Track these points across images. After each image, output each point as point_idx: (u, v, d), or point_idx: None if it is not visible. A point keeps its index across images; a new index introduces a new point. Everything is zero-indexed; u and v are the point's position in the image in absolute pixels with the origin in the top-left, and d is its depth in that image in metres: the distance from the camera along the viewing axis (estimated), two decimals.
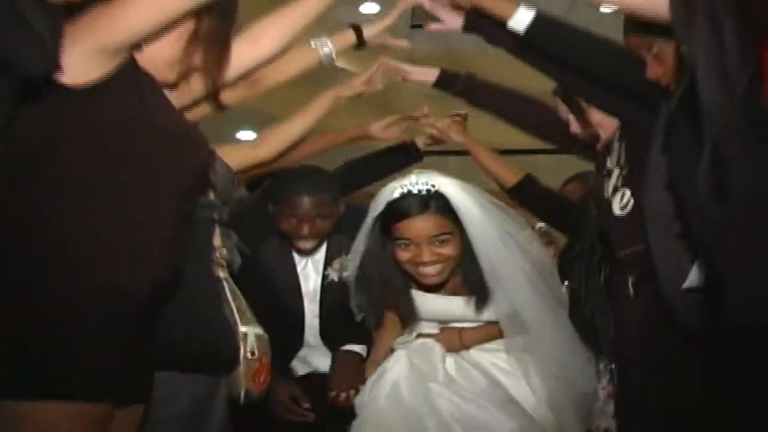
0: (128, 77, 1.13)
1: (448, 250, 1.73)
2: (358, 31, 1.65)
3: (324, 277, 2.12)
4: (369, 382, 1.83)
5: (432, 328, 1.87)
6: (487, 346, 1.82)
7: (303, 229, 2.00)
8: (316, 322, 2.13)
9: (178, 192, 1.21)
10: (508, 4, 1.57)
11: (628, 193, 1.62)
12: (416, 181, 1.75)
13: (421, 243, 1.72)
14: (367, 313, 1.90)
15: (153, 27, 1.11)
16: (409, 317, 1.88)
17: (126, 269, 1.10)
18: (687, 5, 0.92)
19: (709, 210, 0.88)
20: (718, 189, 0.85)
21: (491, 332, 1.81)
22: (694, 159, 0.92)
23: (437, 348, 1.79)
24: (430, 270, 1.74)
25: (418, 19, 1.77)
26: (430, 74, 1.96)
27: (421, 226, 1.72)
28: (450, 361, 1.78)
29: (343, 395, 1.92)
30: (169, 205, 1.18)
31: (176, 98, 1.26)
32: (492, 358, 1.80)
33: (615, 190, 1.65)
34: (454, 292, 1.82)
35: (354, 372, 1.99)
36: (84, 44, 1.06)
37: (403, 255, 1.76)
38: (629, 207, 1.61)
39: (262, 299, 1.91)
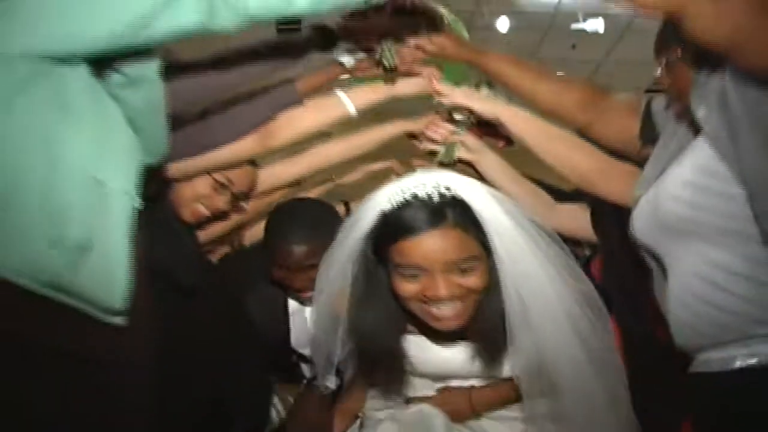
0: None
1: (474, 281, 1.18)
2: None
3: None
4: None
5: (427, 389, 1.34)
6: (504, 413, 1.30)
7: (295, 282, 1.70)
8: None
9: None
10: None
11: None
12: (424, 182, 1.20)
13: (435, 271, 1.17)
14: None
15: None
16: (395, 378, 1.34)
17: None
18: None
19: None
20: None
21: (509, 393, 1.29)
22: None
23: (440, 418, 1.26)
24: (447, 311, 1.18)
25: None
26: None
27: (434, 246, 1.16)
28: None
29: None
30: None
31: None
32: (510, 429, 1.28)
33: None
34: (462, 337, 1.27)
35: (315, 420, 1.47)
36: None
37: (407, 288, 1.19)
38: None
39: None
